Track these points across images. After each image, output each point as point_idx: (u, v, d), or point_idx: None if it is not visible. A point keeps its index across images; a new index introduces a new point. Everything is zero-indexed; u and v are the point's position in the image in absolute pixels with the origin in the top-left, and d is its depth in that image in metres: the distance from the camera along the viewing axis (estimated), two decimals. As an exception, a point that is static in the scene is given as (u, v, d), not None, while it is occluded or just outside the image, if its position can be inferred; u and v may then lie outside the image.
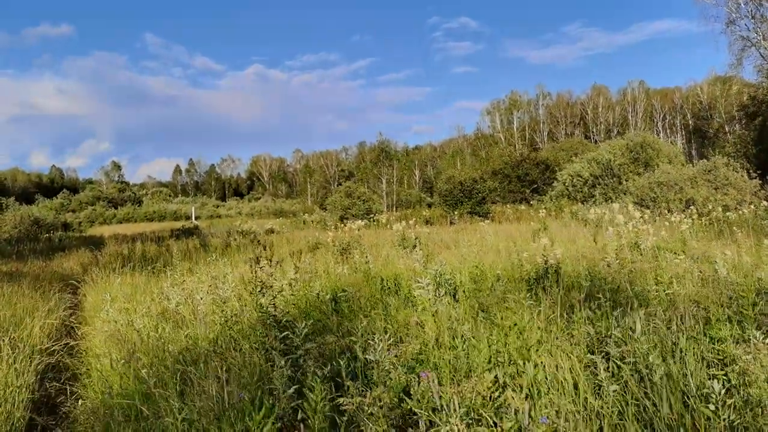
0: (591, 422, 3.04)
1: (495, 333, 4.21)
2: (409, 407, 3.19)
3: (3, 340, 5.13)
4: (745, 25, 29.92)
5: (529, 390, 3.37)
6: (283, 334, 4.05)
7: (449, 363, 3.83)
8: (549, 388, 3.39)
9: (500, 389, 3.23)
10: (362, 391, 3.39)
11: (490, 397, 3.08)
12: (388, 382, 3.49)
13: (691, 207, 16.15)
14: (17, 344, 5.39)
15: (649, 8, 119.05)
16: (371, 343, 3.72)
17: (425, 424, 2.95)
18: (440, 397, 2.85)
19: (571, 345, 4.04)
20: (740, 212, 15.04)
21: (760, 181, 19.17)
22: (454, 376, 3.71)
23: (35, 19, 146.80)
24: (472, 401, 2.97)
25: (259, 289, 4.95)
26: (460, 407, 2.67)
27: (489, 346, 3.91)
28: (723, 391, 2.94)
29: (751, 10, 29.42)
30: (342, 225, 20.31)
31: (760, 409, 2.95)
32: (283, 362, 3.60)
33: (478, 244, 11.20)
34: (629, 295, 5.36)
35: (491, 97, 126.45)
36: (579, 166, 29.17)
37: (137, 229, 34.97)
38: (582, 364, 3.61)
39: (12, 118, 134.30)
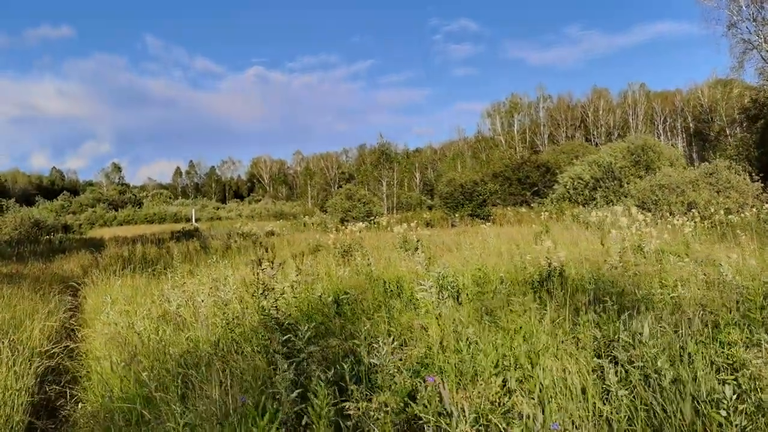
0: (601, 428, 2.99)
1: (500, 336, 4.16)
2: (414, 412, 3.13)
3: (2, 343, 5.08)
4: (747, 27, 29.95)
5: (539, 395, 3.32)
6: (286, 337, 3.99)
7: (455, 367, 3.77)
8: (556, 393, 3.34)
9: (508, 394, 3.18)
10: (367, 395, 3.34)
11: (499, 402, 3.02)
12: (393, 387, 3.44)
13: (693, 210, 16.11)
14: (17, 347, 5.34)
15: (650, 9, 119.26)
16: (375, 346, 3.67)
17: (433, 429, 2.90)
18: (449, 403, 2.79)
19: (577, 349, 3.99)
20: (742, 215, 14.99)
21: (763, 185, 19.12)
22: (460, 380, 3.66)
23: (35, 20, 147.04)
24: (481, 406, 2.92)
25: (261, 291, 4.90)
26: (469, 413, 2.61)
27: (496, 350, 3.85)
28: (734, 397, 2.89)
29: (753, 13, 29.46)
30: (343, 227, 20.27)
31: (772, 415, 2.90)
32: (286, 366, 3.55)
33: (480, 247, 11.16)
34: (635, 298, 5.31)
35: (491, 99, 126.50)
36: (580, 168, 29.12)
37: (137, 231, 34.95)
38: (590, 368, 3.56)
39: (12, 119, 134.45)
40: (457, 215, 28.41)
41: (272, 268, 5.15)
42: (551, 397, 3.32)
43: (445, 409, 2.75)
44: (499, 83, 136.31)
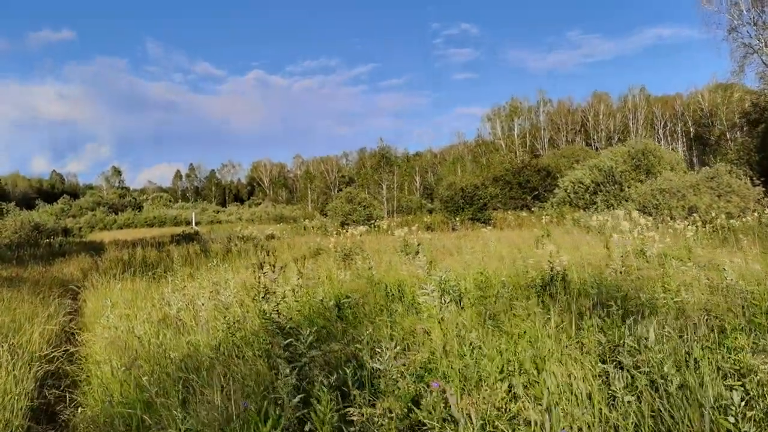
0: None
1: (504, 341, 4.13)
2: (418, 418, 3.10)
3: (2, 347, 5.05)
4: (747, 32, 30.02)
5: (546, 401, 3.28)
6: (288, 341, 3.96)
7: (459, 372, 3.73)
8: (562, 399, 3.30)
9: (514, 399, 3.14)
10: (370, 400, 3.31)
11: (505, 408, 2.99)
12: (396, 392, 3.40)
13: (694, 214, 16.10)
14: (16, 350, 5.31)
15: (651, 13, 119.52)
16: (377, 350, 3.63)
17: (438, 436, 2.86)
18: (456, 409, 2.75)
19: (582, 354, 3.95)
20: (744, 220, 14.97)
21: (764, 189, 19.12)
22: (464, 385, 3.62)
23: (37, 24, 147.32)
24: (487, 413, 2.88)
25: (262, 295, 4.87)
26: (476, 420, 2.58)
27: (500, 355, 3.82)
28: (743, 403, 2.85)
29: (754, 17, 29.53)
30: (343, 231, 20.25)
31: (781, 422, 2.86)
32: (288, 370, 3.52)
33: (481, 251, 11.13)
34: (639, 303, 5.28)
35: (491, 103, 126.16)
36: (580, 172, 29.13)
37: (137, 235, 34.90)
38: (595, 373, 3.52)
39: (13, 122, 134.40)
40: (457, 219, 28.38)
41: (273, 272, 5.12)
42: (557, 402, 3.29)
43: (451, 415, 2.71)
44: (500, 87, 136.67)
